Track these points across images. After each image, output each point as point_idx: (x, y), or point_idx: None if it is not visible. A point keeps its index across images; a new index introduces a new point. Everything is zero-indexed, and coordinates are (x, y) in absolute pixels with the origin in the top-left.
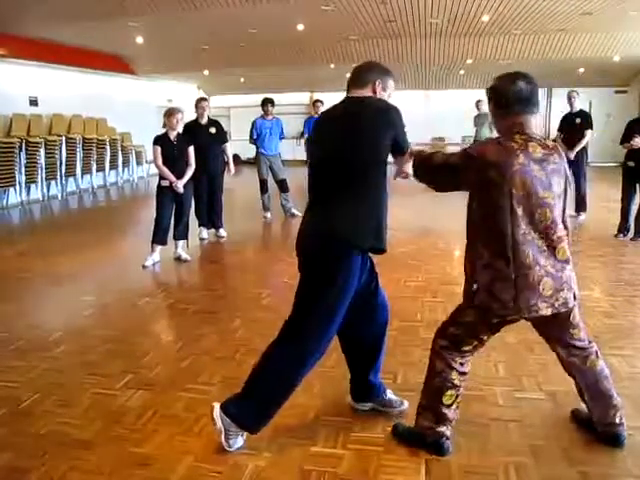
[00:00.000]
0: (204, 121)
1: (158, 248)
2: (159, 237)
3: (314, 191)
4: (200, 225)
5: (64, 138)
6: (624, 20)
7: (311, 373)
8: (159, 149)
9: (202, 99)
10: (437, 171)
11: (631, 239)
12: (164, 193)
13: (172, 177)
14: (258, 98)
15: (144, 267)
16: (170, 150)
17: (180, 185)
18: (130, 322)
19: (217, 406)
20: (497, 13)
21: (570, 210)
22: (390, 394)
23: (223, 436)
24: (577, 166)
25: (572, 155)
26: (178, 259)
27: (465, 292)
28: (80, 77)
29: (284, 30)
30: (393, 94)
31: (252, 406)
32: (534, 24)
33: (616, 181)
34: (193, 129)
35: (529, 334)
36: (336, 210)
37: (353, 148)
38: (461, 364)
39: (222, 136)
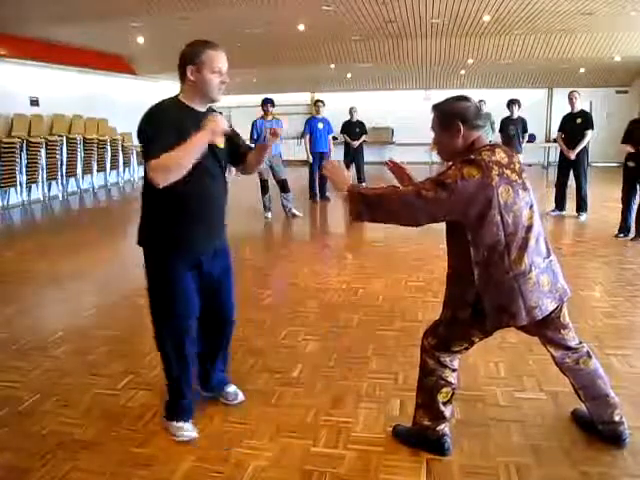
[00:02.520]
0: None
1: None
2: None
3: None
4: None
5: (65, 138)
6: (625, 20)
7: (312, 373)
8: None
9: None
10: (406, 206)
11: (632, 239)
12: None
13: None
14: (259, 98)
15: None
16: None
17: None
18: (131, 322)
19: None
20: (498, 13)
21: (571, 210)
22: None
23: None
24: (578, 166)
25: (573, 155)
26: None
27: (459, 299)
28: (81, 77)
29: (285, 30)
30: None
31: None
32: (535, 24)
33: (617, 181)
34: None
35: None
36: (141, 214)
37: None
38: (451, 361)
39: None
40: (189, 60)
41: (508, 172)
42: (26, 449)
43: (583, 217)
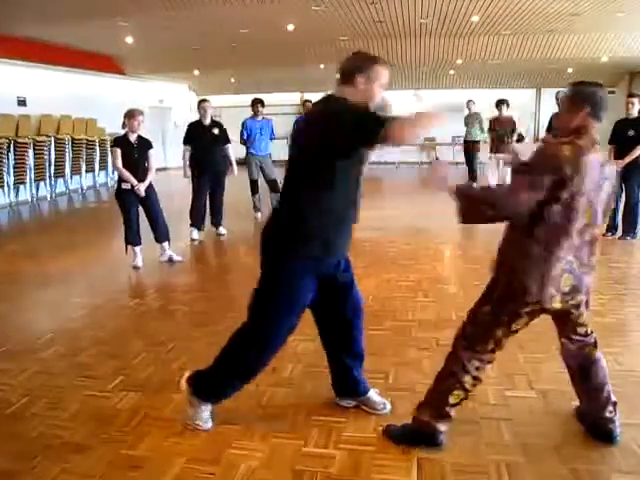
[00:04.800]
0: (207, 122)
1: (137, 248)
2: (132, 238)
3: (282, 188)
4: (192, 226)
5: (53, 139)
6: (612, 21)
7: (304, 373)
8: (118, 151)
9: (204, 100)
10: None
11: (619, 238)
12: (125, 197)
13: (133, 180)
14: (249, 98)
15: (136, 268)
16: (130, 152)
17: (142, 188)
18: (121, 324)
19: (184, 376)
20: (486, 14)
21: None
22: (374, 395)
23: (189, 410)
24: None
25: None
26: (170, 261)
27: (491, 285)
28: (69, 77)
29: (274, 30)
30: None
31: (210, 379)
32: (523, 25)
33: None
34: (196, 129)
35: (520, 333)
36: (280, 214)
37: (298, 150)
38: (477, 368)
39: (224, 137)
40: (359, 69)
41: (595, 167)
42: (15, 452)
43: None
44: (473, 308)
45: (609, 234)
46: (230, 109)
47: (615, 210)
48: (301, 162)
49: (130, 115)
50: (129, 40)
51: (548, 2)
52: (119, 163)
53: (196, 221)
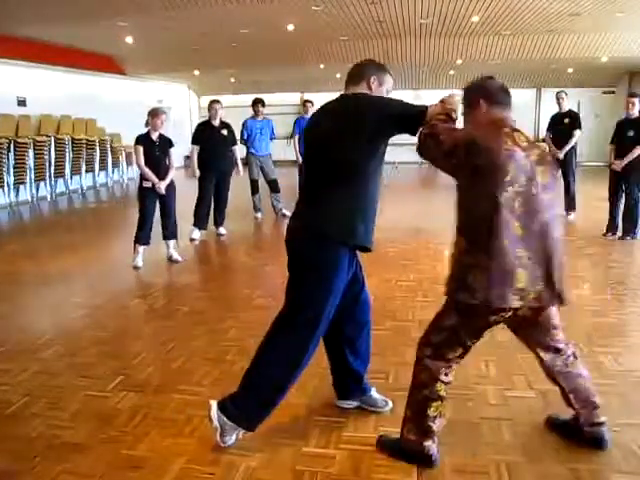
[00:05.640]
0: (216, 122)
1: (142, 248)
2: (144, 239)
3: (305, 187)
4: (194, 225)
5: (53, 139)
6: (612, 21)
7: (304, 374)
8: (141, 149)
9: (215, 101)
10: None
11: (619, 238)
12: (146, 195)
13: (155, 178)
14: (248, 98)
15: (136, 268)
16: (152, 151)
17: (163, 186)
18: (121, 323)
19: (214, 404)
20: (486, 14)
21: (560, 210)
22: (375, 393)
23: (218, 434)
24: (566, 166)
25: (561, 155)
26: (170, 259)
27: (446, 291)
28: (69, 77)
29: (274, 30)
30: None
31: (249, 404)
32: (523, 25)
33: (604, 181)
34: (205, 130)
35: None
36: (321, 206)
37: (335, 145)
38: (445, 374)
39: (232, 138)
40: (373, 72)
41: (522, 154)
42: (15, 452)
43: (571, 216)
44: (436, 316)
45: (609, 234)
46: (230, 109)
47: (615, 210)
48: (343, 155)
49: (154, 114)
50: (129, 40)
51: (548, 2)
52: (142, 161)
53: (199, 221)
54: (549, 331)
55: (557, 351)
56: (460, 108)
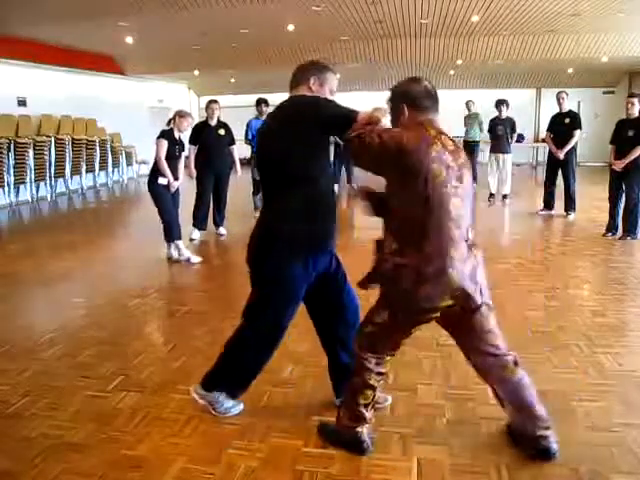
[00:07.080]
0: (214, 122)
1: (181, 241)
2: (178, 233)
3: (262, 191)
4: (193, 226)
5: (53, 139)
6: (612, 21)
7: (304, 373)
8: (165, 142)
9: (213, 101)
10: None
11: (619, 238)
12: (163, 191)
13: (171, 177)
14: (249, 98)
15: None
16: (173, 149)
17: (176, 186)
18: (121, 323)
19: (193, 389)
20: (487, 14)
21: (560, 209)
22: None
23: (212, 409)
24: (566, 166)
25: (561, 155)
26: (170, 259)
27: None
28: (69, 77)
29: (275, 30)
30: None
31: (228, 377)
32: (523, 25)
33: (604, 181)
34: (202, 130)
35: (519, 333)
36: (272, 209)
37: (279, 148)
38: (377, 364)
39: (230, 138)
40: (312, 73)
41: (450, 157)
42: (15, 452)
43: (571, 216)
44: (370, 310)
45: (609, 234)
46: (230, 109)
47: (615, 210)
48: (287, 158)
49: (182, 115)
50: (129, 40)
51: (548, 2)
52: (163, 154)
53: (199, 222)
54: (482, 335)
55: (491, 355)
56: (387, 117)
